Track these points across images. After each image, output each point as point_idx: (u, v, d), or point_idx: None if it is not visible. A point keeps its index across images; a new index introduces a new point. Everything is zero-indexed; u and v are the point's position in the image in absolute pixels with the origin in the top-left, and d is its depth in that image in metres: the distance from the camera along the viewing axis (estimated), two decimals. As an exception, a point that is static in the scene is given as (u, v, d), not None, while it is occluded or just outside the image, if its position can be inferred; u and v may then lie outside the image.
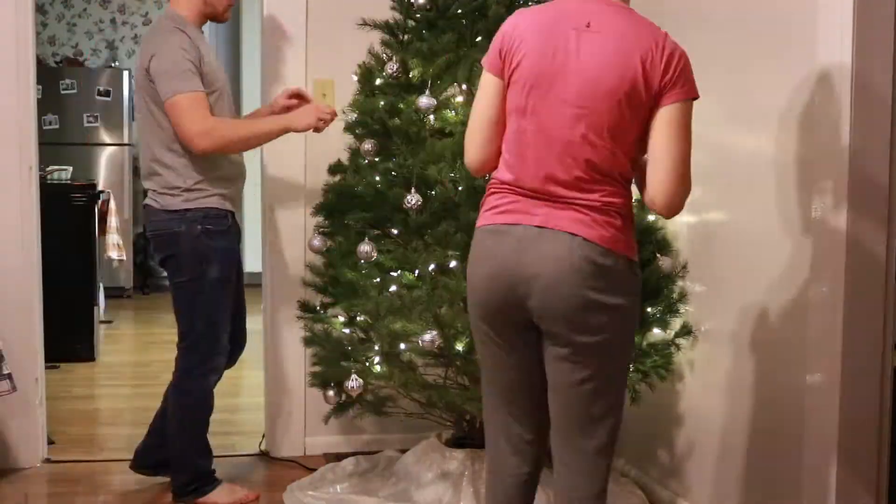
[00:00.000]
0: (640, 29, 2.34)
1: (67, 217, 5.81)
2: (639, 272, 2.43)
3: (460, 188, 3.22)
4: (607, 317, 2.31)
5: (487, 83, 2.46)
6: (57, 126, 7.92)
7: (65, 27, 8.62)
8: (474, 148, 2.49)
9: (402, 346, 3.29)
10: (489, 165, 2.48)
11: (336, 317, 3.55)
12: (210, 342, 3.56)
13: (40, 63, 6.23)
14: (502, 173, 2.41)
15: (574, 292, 2.27)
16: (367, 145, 3.48)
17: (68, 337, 5.66)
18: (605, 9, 2.36)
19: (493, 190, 2.44)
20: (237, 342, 3.77)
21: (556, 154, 2.31)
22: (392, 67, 3.43)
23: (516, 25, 2.41)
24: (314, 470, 3.90)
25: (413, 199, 3.22)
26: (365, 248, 3.31)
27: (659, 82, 2.29)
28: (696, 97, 2.37)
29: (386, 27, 3.53)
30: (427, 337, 3.14)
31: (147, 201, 3.60)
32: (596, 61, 2.29)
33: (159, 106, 3.46)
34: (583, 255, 2.28)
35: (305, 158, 4.17)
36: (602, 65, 2.29)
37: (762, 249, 3.07)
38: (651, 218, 3.49)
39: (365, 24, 3.54)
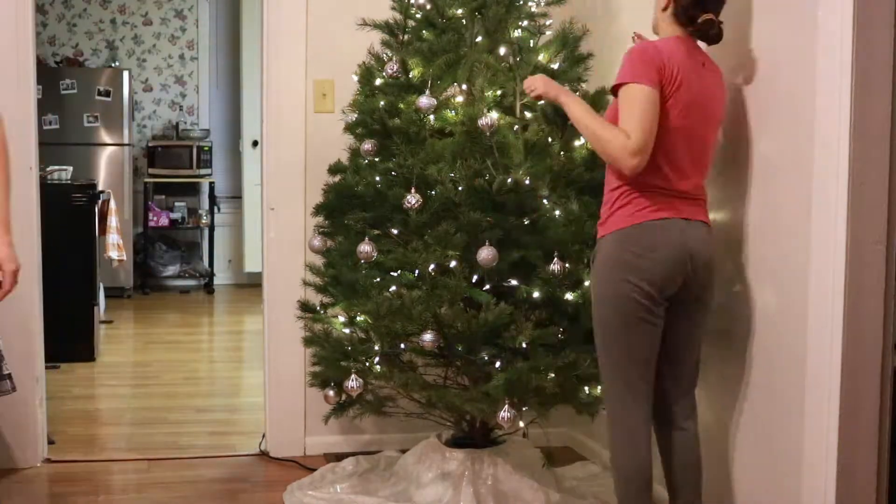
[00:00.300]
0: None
1: (67, 217, 5.80)
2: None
3: (460, 188, 3.22)
4: None
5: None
6: (57, 126, 7.91)
7: (65, 27, 8.62)
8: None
9: (402, 346, 3.29)
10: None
11: (336, 317, 3.55)
12: None
13: (40, 63, 6.23)
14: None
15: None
16: (367, 145, 3.48)
17: (68, 337, 5.65)
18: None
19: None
20: None
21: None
22: (392, 67, 3.43)
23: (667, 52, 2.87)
24: (314, 470, 3.90)
25: (413, 199, 3.22)
26: (365, 248, 3.31)
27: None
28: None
29: (386, 27, 3.53)
30: (427, 337, 3.14)
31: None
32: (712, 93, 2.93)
33: None
34: None
35: (305, 158, 4.17)
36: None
37: (762, 249, 3.07)
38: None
39: (365, 24, 3.55)
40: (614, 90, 2.86)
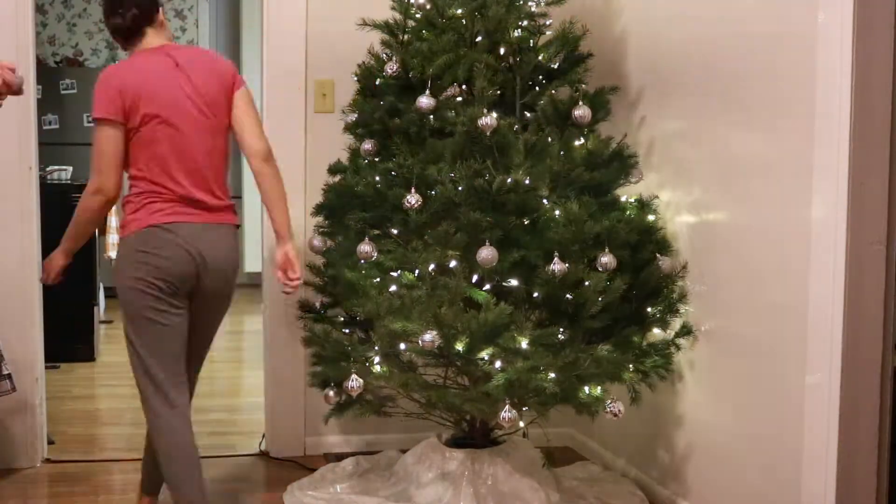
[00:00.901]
0: None
1: (67, 217, 5.77)
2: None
3: (460, 188, 3.22)
4: None
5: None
6: (57, 126, 7.91)
7: (65, 27, 8.62)
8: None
9: (402, 346, 3.29)
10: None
11: (336, 317, 3.54)
12: None
13: (40, 63, 6.23)
14: None
15: None
16: (367, 145, 3.48)
17: (68, 337, 5.66)
18: None
19: None
20: None
21: None
22: (392, 67, 3.43)
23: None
24: (314, 470, 3.90)
25: (413, 199, 3.22)
26: (365, 248, 3.31)
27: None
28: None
29: (386, 27, 3.53)
30: (427, 337, 3.14)
31: None
32: None
33: None
34: None
35: (305, 158, 4.17)
36: None
37: (762, 249, 3.07)
38: (651, 218, 3.49)
39: (365, 24, 3.55)
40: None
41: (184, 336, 3.14)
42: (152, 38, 3.19)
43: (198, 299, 3.14)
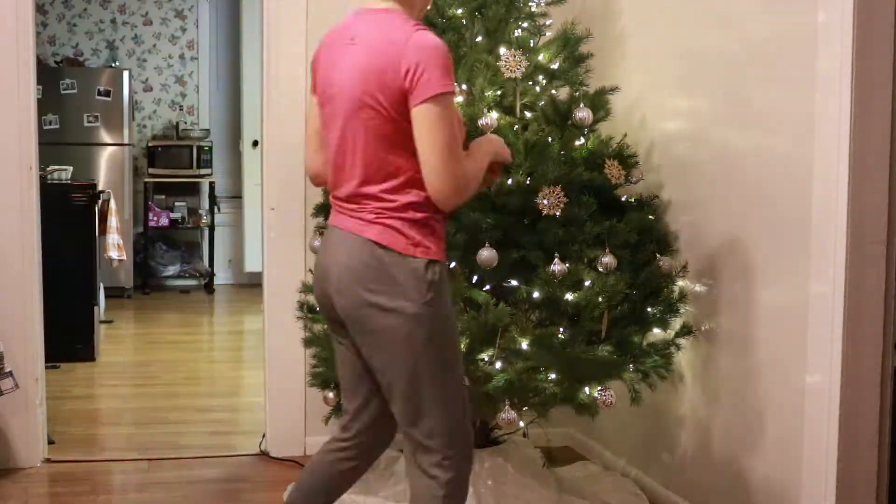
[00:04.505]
0: (388, 33, 2.35)
1: (67, 217, 5.81)
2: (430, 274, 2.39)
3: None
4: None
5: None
6: (57, 126, 7.91)
7: (65, 27, 8.62)
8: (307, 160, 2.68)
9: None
10: (320, 175, 2.64)
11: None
12: None
13: (40, 63, 6.23)
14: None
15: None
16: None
17: (68, 337, 5.65)
18: (370, 18, 2.43)
19: None
20: None
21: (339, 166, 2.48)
22: (392, 67, 3.42)
23: (320, 44, 2.55)
24: (314, 470, 3.90)
25: (413, 199, 3.22)
26: None
27: (400, 86, 2.29)
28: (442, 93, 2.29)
29: (386, 27, 3.52)
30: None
31: None
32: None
33: None
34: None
35: (306, 158, 4.16)
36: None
37: (762, 249, 3.07)
38: (651, 218, 3.49)
39: (365, 24, 3.54)
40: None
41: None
42: None
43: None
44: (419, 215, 2.38)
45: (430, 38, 2.32)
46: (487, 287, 3.24)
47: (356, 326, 2.41)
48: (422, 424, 2.44)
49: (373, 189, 2.37)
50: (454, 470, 2.47)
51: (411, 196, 2.36)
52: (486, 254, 3.13)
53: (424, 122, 2.27)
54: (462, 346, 3.16)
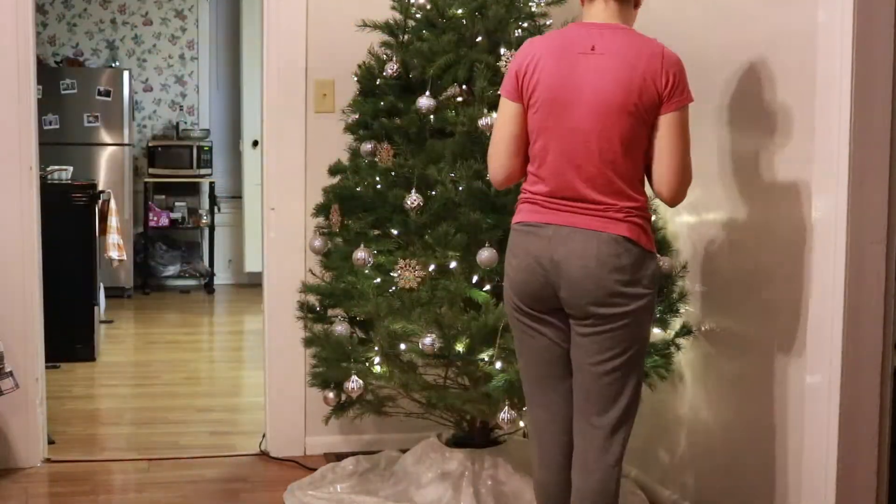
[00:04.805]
0: (639, 46, 2.57)
1: (67, 217, 5.80)
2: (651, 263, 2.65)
3: (460, 188, 3.22)
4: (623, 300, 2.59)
5: (505, 107, 2.71)
6: (57, 126, 7.90)
7: (65, 27, 8.61)
8: (498, 163, 2.75)
9: (402, 346, 3.29)
10: (513, 177, 2.76)
11: (336, 317, 3.54)
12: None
13: (40, 63, 6.22)
14: (533, 185, 2.68)
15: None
16: (368, 146, 3.48)
17: (68, 337, 5.65)
18: (605, 31, 2.61)
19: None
20: None
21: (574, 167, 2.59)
22: (392, 67, 3.43)
23: (531, 53, 2.64)
24: (314, 470, 3.90)
25: (414, 199, 3.22)
26: (360, 254, 3.30)
27: (659, 94, 2.54)
28: (690, 101, 2.60)
29: (386, 27, 3.53)
30: (427, 340, 3.14)
31: None
32: (603, 81, 2.55)
33: None
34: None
35: (305, 158, 4.17)
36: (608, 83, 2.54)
37: (762, 249, 3.07)
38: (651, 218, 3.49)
39: (365, 24, 3.55)
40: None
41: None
42: None
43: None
44: (649, 215, 2.67)
45: (676, 54, 2.59)
46: (487, 287, 3.24)
47: (594, 314, 2.58)
48: (616, 405, 2.64)
49: (618, 188, 2.57)
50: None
51: (643, 196, 2.63)
52: (486, 254, 3.13)
53: (674, 128, 2.55)
54: (462, 346, 3.16)
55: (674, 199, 2.62)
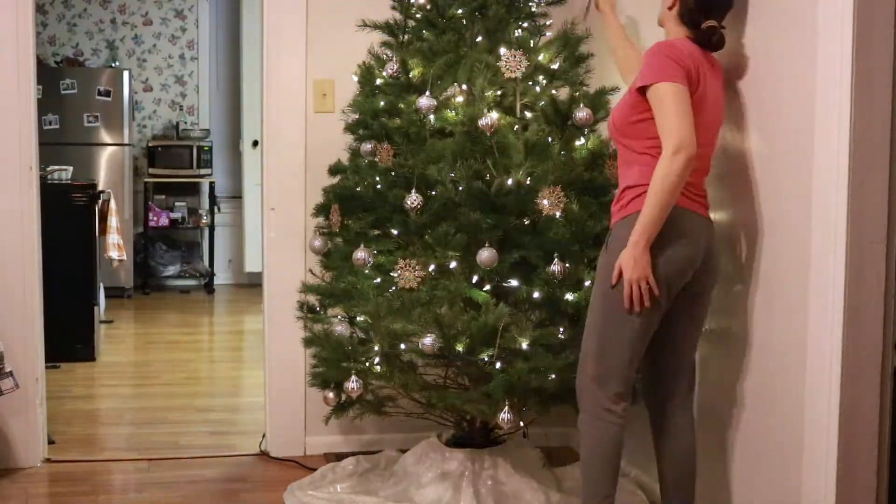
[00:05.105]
0: None
1: (67, 217, 5.81)
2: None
3: (460, 188, 3.22)
4: None
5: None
6: (57, 126, 7.91)
7: (65, 27, 8.61)
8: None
9: (402, 346, 3.29)
10: None
11: (336, 317, 3.55)
12: None
13: (40, 63, 6.22)
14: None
15: None
16: (368, 146, 3.48)
17: (68, 337, 5.65)
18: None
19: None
20: None
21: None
22: (392, 67, 3.43)
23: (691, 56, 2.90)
24: (314, 470, 3.90)
25: (414, 199, 3.22)
26: (360, 254, 3.30)
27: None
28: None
29: (386, 27, 3.53)
30: (427, 341, 3.14)
31: None
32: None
33: None
34: None
35: (305, 158, 4.17)
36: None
37: (762, 249, 3.07)
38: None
39: (365, 24, 3.55)
40: (642, 89, 2.84)
41: None
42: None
43: None
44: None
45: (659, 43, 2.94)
46: (487, 287, 3.24)
47: (711, 286, 3.04)
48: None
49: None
50: None
51: None
52: (486, 254, 3.13)
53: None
54: (462, 346, 3.16)
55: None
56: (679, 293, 2.92)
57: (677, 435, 3.10)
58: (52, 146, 7.16)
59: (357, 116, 3.56)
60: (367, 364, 3.38)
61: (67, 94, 7.98)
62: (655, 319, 2.91)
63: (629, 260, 2.78)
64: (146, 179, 8.46)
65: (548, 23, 3.57)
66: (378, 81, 3.50)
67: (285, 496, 3.68)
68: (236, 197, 8.68)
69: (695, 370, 3.14)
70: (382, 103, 3.45)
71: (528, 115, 3.40)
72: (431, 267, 3.21)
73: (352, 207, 3.46)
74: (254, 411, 4.71)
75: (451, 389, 3.40)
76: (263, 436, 4.29)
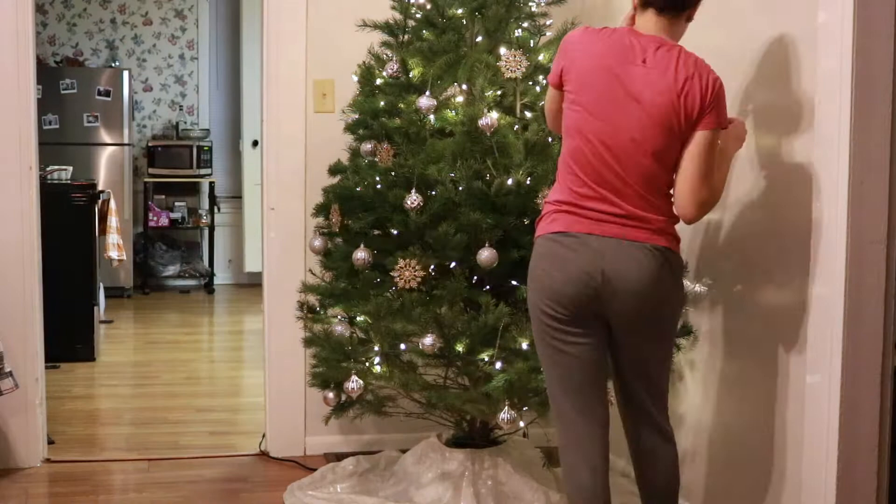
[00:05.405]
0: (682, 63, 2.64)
1: (67, 217, 5.81)
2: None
3: (461, 188, 3.22)
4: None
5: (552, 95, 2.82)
6: (57, 126, 7.91)
7: (65, 27, 8.62)
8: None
9: (402, 346, 3.29)
10: None
11: (336, 317, 3.54)
12: None
13: (40, 63, 6.23)
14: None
15: None
16: (368, 146, 3.48)
17: (68, 337, 5.65)
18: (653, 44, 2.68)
19: None
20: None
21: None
22: (392, 67, 3.43)
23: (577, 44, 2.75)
24: (314, 470, 3.90)
25: (414, 199, 3.22)
26: (361, 254, 3.30)
27: (697, 112, 2.60)
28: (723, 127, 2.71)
29: (386, 27, 3.53)
30: (427, 341, 3.14)
31: None
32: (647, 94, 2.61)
33: None
34: None
35: (305, 158, 4.17)
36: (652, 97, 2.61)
37: (762, 249, 3.07)
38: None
39: (365, 24, 3.54)
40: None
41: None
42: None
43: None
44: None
45: (720, 79, 2.66)
46: (487, 287, 3.24)
47: (649, 319, 2.70)
48: (663, 388, 2.83)
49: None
50: None
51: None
52: (486, 254, 3.13)
53: (704, 146, 2.63)
54: (462, 346, 3.16)
55: (686, 216, 2.68)
56: (602, 322, 2.69)
57: (653, 463, 2.88)
58: (51, 146, 7.17)
59: (357, 116, 3.56)
60: (367, 364, 3.38)
61: (67, 94, 7.98)
62: (571, 350, 2.69)
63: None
64: (146, 179, 8.47)
65: (548, 23, 3.56)
66: (378, 81, 3.50)
67: (285, 496, 3.69)
68: (236, 197, 8.69)
69: (662, 396, 2.83)
70: (382, 103, 3.45)
71: (528, 115, 3.40)
72: (431, 267, 3.21)
73: (352, 207, 3.46)
74: (254, 411, 4.72)
75: (451, 389, 3.40)
76: (263, 436, 4.29)
